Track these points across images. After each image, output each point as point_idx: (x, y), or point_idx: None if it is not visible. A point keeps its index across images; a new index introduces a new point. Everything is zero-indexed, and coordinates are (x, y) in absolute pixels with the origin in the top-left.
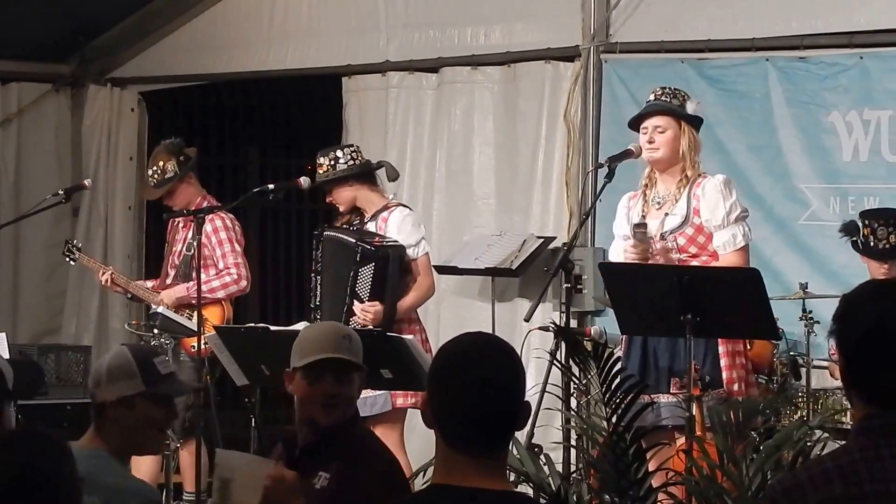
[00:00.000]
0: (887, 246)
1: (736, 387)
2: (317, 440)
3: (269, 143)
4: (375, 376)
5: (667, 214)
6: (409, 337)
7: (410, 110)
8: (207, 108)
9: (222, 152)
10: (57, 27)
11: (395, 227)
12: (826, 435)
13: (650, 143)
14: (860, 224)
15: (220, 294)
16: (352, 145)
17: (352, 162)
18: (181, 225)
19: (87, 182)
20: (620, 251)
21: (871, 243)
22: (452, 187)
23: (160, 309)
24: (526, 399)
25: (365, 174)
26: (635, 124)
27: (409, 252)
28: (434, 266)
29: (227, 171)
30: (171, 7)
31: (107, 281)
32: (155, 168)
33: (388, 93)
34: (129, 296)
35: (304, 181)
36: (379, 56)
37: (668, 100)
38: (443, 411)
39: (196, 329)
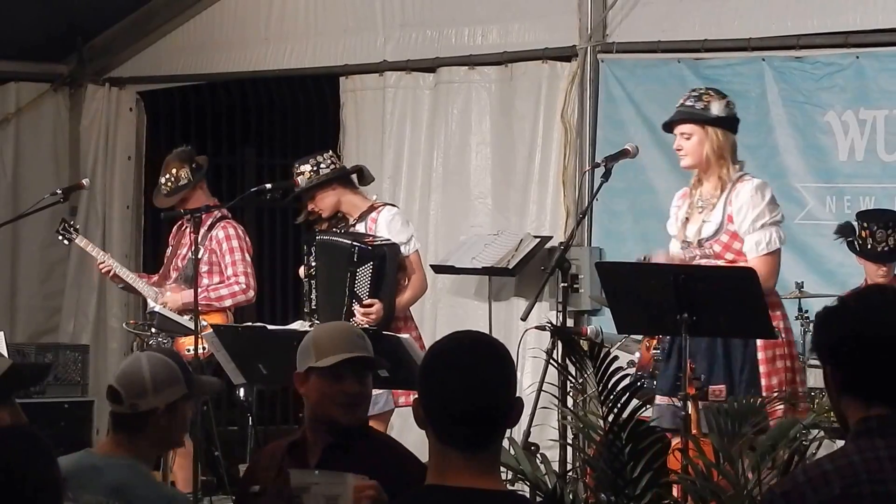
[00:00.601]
0: (886, 248)
1: (777, 393)
2: (339, 441)
3: (266, 142)
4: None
5: (704, 221)
6: (405, 336)
7: (407, 110)
8: (205, 108)
9: (219, 152)
10: (55, 27)
11: (385, 226)
12: (821, 434)
13: (678, 150)
14: (857, 226)
15: (228, 302)
16: (328, 151)
17: (333, 166)
18: (188, 229)
19: (84, 182)
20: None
21: (870, 246)
22: (449, 187)
23: (157, 308)
24: (518, 395)
25: (346, 178)
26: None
27: (402, 249)
28: (431, 265)
29: (224, 170)
30: (169, 7)
31: (107, 271)
32: (168, 176)
33: (385, 93)
34: (122, 285)
35: (301, 181)
36: (376, 56)
37: (693, 104)
38: (434, 409)
39: (193, 328)
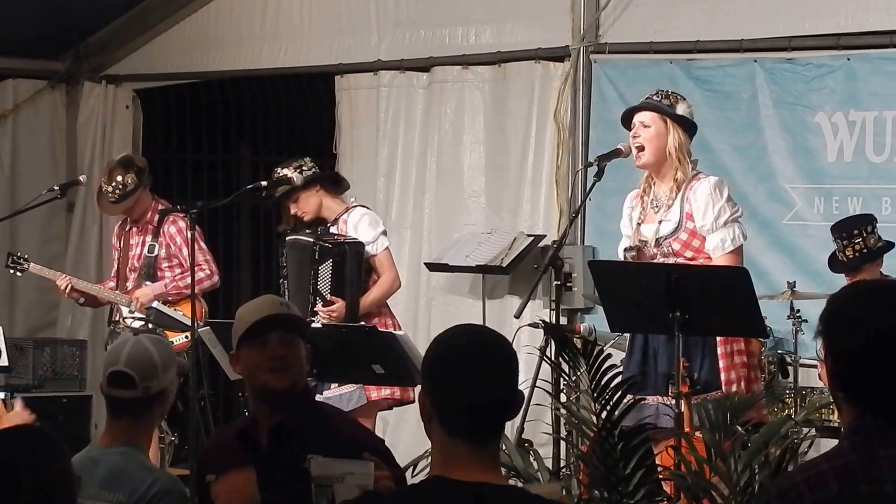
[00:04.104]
0: (844, 259)
1: (735, 387)
2: (286, 422)
3: (262, 140)
4: (367, 371)
5: (661, 221)
6: (401, 332)
7: (401, 109)
8: (201, 106)
9: (215, 149)
10: (52, 24)
11: (353, 226)
12: (812, 432)
13: (635, 137)
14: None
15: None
16: (307, 158)
17: (315, 170)
18: (134, 229)
19: (81, 178)
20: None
21: (836, 257)
22: (443, 185)
23: (154, 304)
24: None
25: (328, 180)
26: (627, 123)
27: (369, 248)
28: (425, 263)
29: (219, 167)
30: (165, 5)
31: (66, 287)
32: (114, 184)
33: (380, 91)
34: (81, 301)
35: (296, 178)
36: (370, 55)
37: (659, 99)
38: (443, 402)
39: (188, 323)
